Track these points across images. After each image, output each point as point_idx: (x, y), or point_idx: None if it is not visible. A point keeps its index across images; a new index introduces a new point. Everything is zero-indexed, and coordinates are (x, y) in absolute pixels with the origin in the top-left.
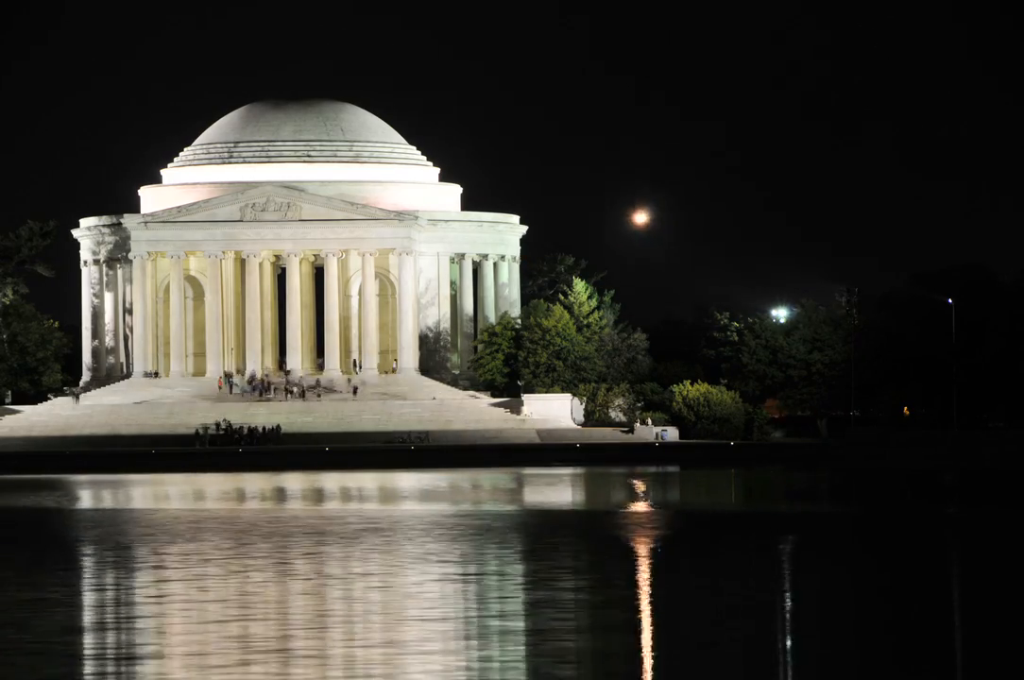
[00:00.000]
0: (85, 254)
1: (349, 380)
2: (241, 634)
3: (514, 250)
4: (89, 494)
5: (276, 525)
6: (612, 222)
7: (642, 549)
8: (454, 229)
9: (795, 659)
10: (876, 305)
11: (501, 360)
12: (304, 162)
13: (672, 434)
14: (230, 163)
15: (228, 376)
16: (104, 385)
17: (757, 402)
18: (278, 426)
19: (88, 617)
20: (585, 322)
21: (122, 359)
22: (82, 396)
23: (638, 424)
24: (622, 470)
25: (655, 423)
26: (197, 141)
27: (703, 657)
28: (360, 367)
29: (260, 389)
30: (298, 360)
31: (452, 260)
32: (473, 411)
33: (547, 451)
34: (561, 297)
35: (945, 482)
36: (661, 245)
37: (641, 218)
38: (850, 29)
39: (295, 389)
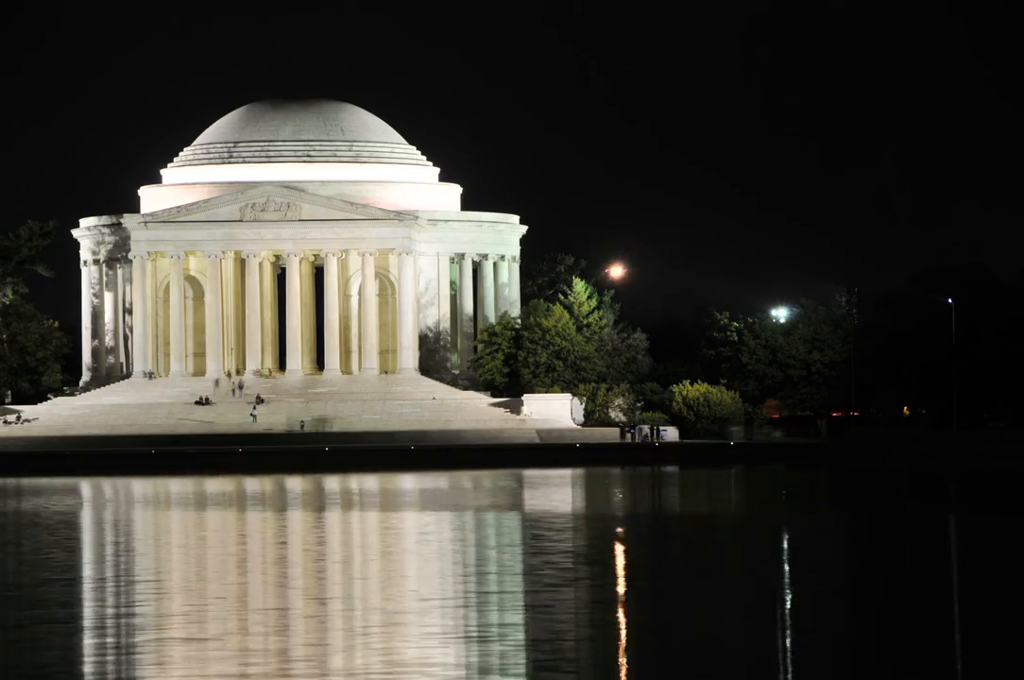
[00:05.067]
0: (85, 254)
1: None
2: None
3: (514, 250)
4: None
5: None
6: (613, 223)
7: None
8: (454, 229)
9: (794, 660)
10: (876, 305)
11: (501, 360)
12: (304, 162)
13: (672, 434)
14: (230, 163)
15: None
16: (104, 385)
17: (757, 402)
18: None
19: None
20: (585, 322)
21: (122, 359)
22: (81, 395)
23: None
24: (620, 470)
25: (655, 423)
26: (197, 141)
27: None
28: (360, 367)
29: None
30: (298, 360)
31: (452, 260)
32: (473, 411)
33: (547, 451)
34: (561, 297)
35: (945, 482)
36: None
37: (617, 271)
38: (850, 27)
39: None
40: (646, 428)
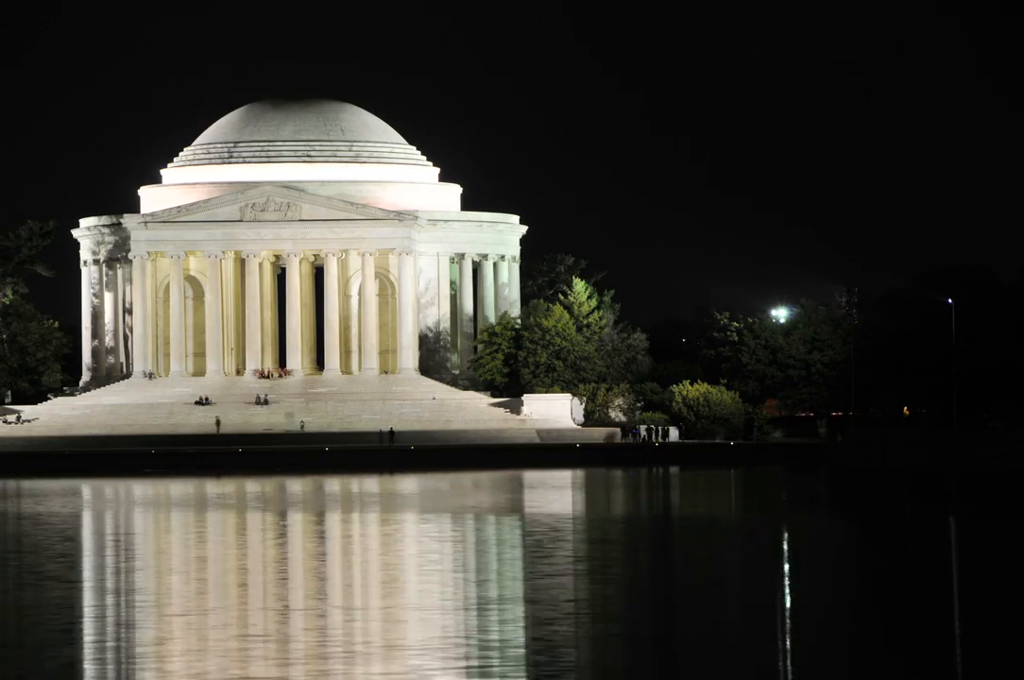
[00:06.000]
0: (85, 254)
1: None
2: None
3: (514, 250)
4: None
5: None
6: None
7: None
8: (454, 229)
9: (795, 660)
10: (876, 305)
11: (501, 360)
12: (304, 162)
13: (672, 434)
14: (230, 163)
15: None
16: (104, 385)
17: (757, 402)
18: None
19: None
20: (585, 322)
21: (122, 359)
22: (81, 396)
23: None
24: (620, 471)
25: (655, 423)
26: (197, 141)
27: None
28: (360, 367)
29: None
30: (298, 360)
31: (452, 260)
32: (473, 411)
33: (547, 451)
34: (561, 297)
35: (945, 482)
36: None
37: None
38: (851, 26)
39: None
40: (643, 429)
